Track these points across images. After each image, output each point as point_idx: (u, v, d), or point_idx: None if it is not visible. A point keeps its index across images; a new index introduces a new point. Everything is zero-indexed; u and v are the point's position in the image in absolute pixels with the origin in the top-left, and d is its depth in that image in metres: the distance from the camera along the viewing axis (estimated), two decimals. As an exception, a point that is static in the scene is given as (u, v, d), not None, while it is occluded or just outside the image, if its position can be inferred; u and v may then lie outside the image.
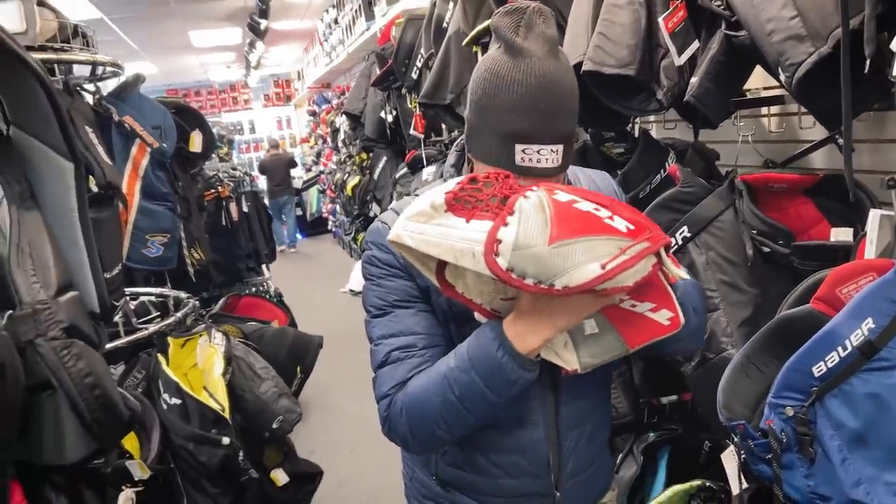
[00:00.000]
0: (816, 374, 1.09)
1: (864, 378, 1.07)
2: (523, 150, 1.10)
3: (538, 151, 1.10)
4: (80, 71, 2.28)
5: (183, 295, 2.46)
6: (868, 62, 1.02)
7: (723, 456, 1.42)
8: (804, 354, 1.10)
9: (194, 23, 8.58)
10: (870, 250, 1.22)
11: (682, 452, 1.92)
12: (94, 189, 1.81)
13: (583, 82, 1.66)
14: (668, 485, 1.80)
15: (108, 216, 1.84)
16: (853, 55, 1.07)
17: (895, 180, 1.20)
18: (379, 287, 1.26)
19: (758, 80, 1.72)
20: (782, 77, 1.20)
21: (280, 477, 2.29)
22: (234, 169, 5.19)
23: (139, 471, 1.53)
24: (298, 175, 12.73)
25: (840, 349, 1.07)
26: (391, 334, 1.23)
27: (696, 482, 1.71)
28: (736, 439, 1.24)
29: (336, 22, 7.14)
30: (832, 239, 1.42)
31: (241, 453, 1.95)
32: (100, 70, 2.22)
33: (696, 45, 1.53)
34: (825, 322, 1.11)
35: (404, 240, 1.03)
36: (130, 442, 1.81)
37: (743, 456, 1.24)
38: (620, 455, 1.98)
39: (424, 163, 3.76)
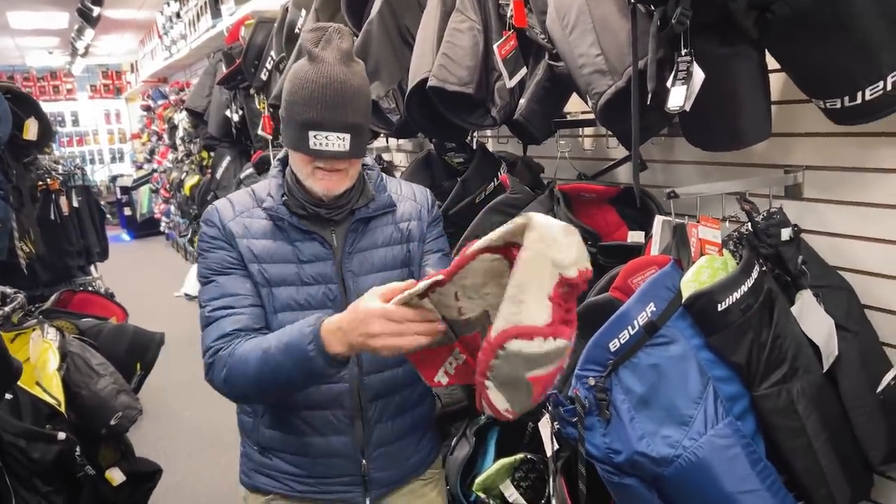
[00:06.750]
0: (612, 350, 1.31)
1: (648, 352, 1.31)
2: (314, 136, 1.34)
3: (326, 137, 1.34)
4: None
5: (9, 290, 2.31)
6: (650, 95, 1.27)
7: (540, 424, 1.63)
8: (602, 333, 1.32)
9: (14, 3, 7.84)
10: (654, 248, 1.48)
11: (510, 433, 2.12)
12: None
13: (428, 97, 1.84)
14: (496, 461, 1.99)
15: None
16: (643, 89, 1.33)
17: (675, 192, 1.48)
18: (205, 259, 1.46)
19: (576, 105, 1.98)
20: (590, 103, 1.44)
21: (116, 476, 2.22)
22: (56, 163, 4.84)
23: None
24: (128, 173, 12.11)
25: (630, 328, 1.31)
26: (214, 297, 1.43)
27: (520, 455, 1.89)
28: (550, 408, 1.45)
29: (178, 16, 6.84)
30: (629, 240, 1.70)
31: (77, 448, 1.89)
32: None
33: (524, 70, 1.76)
34: (620, 307, 1.35)
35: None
36: (-48, 441, 1.71)
37: (556, 424, 1.45)
38: (454, 438, 2.16)
39: (273, 163, 3.75)
